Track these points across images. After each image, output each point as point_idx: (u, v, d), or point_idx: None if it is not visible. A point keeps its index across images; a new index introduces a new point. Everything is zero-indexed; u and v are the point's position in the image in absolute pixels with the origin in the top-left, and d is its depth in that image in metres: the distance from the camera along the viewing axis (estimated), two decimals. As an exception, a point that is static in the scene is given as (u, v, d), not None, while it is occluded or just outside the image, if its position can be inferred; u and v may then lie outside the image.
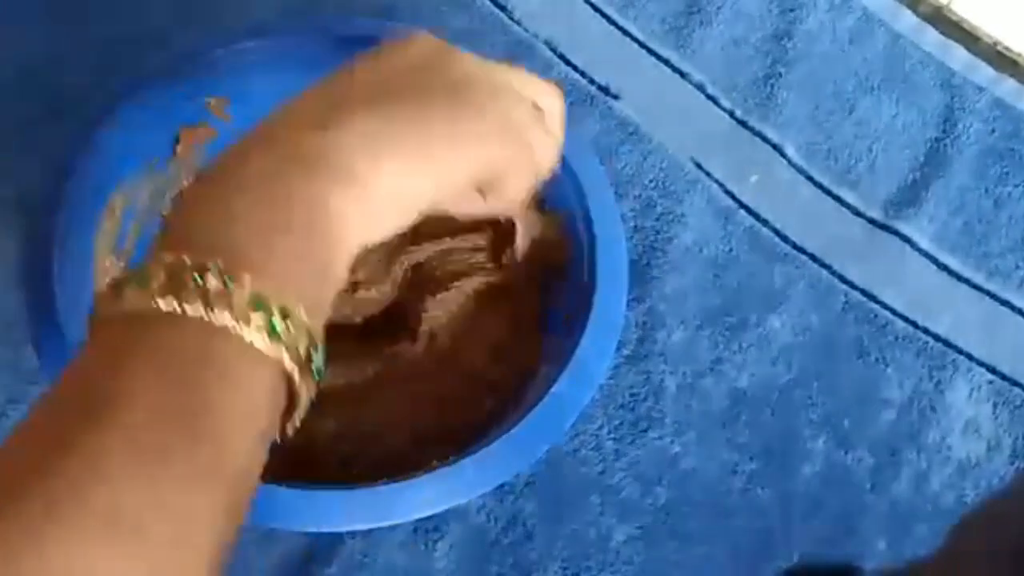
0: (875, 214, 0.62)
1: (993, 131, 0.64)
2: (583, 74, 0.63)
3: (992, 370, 0.58)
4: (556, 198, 0.53)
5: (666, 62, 0.64)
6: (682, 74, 0.64)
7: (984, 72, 0.66)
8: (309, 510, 0.43)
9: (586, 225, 0.51)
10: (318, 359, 0.31)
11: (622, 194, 0.59)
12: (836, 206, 0.62)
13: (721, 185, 0.61)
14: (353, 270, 0.52)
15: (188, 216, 0.31)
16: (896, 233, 0.61)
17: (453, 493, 0.45)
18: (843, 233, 0.61)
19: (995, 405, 0.58)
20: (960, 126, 0.64)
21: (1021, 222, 0.62)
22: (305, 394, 0.30)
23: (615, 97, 0.63)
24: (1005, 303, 0.61)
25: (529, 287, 0.53)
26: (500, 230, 0.53)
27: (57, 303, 0.46)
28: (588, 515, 0.53)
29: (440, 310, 0.51)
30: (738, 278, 0.59)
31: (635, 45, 0.64)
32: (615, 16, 0.65)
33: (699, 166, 0.62)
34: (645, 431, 0.55)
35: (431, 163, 0.34)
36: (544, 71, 0.62)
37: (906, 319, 0.59)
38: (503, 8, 0.64)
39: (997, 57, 0.67)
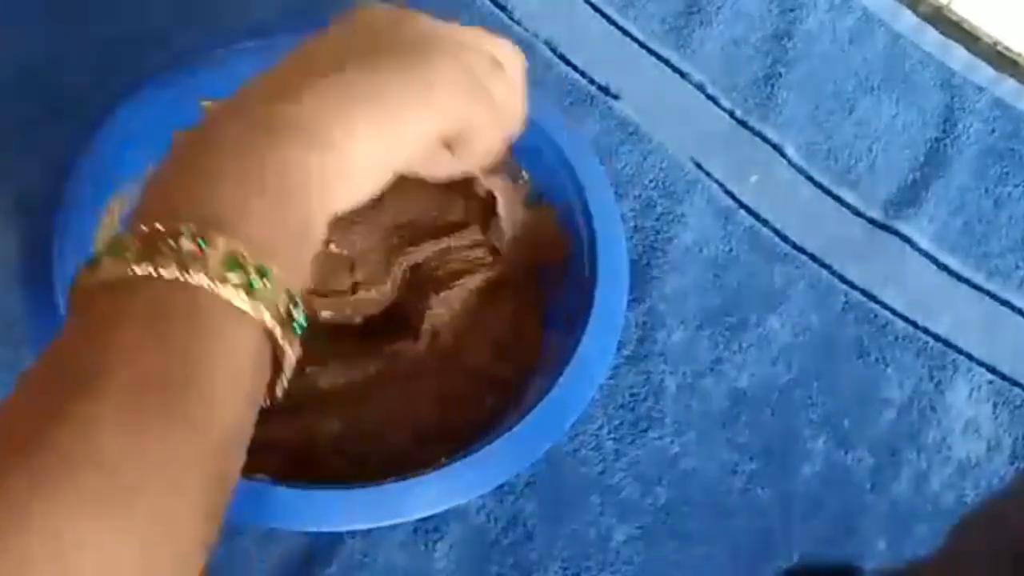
0: (875, 214, 0.62)
1: (993, 131, 0.64)
2: (583, 74, 0.63)
3: (992, 370, 0.58)
4: (555, 193, 0.53)
5: (666, 62, 0.64)
6: (682, 74, 0.64)
7: (984, 72, 0.66)
8: (309, 510, 0.43)
9: (586, 220, 0.51)
10: (299, 316, 0.31)
11: (622, 194, 0.59)
12: (836, 206, 0.62)
13: (721, 185, 0.61)
14: (353, 270, 0.53)
15: (162, 187, 0.31)
16: (896, 233, 0.61)
17: (453, 493, 0.45)
18: (843, 233, 0.61)
19: (995, 405, 0.58)
20: (960, 126, 0.64)
21: (1021, 222, 0.62)
22: (289, 351, 0.30)
23: (615, 97, 0.63)
24: (1005, 303, 0.61)
25: (528, 282, 0.53)
26: (483, 205, 0.54)
27: (57, 302, 0.46)
28: (588, 515, 0.53)
29: (443, 308, 0.52)
30: (738, 278, 0.59)
31: (635, 45, 0.64)
32: (615, 16, 0.65)
33: (699, 166, 0.62)
34: (645, 431, 0.55)
35: (402, 122, 0.34)
36: (544, 71, 0.62)
37: (906, 319, 0.59)
38: (503, 8, 0.64)
39: (997, 57, 0.67)
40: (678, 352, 0.57)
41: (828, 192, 0.62)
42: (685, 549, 0.53)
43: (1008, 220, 0.62)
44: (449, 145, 0.38)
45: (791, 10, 0.66)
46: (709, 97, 0.64)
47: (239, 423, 0.29)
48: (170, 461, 0.26)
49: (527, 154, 0.52)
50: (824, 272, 0.60)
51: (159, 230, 0.29)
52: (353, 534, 0.51)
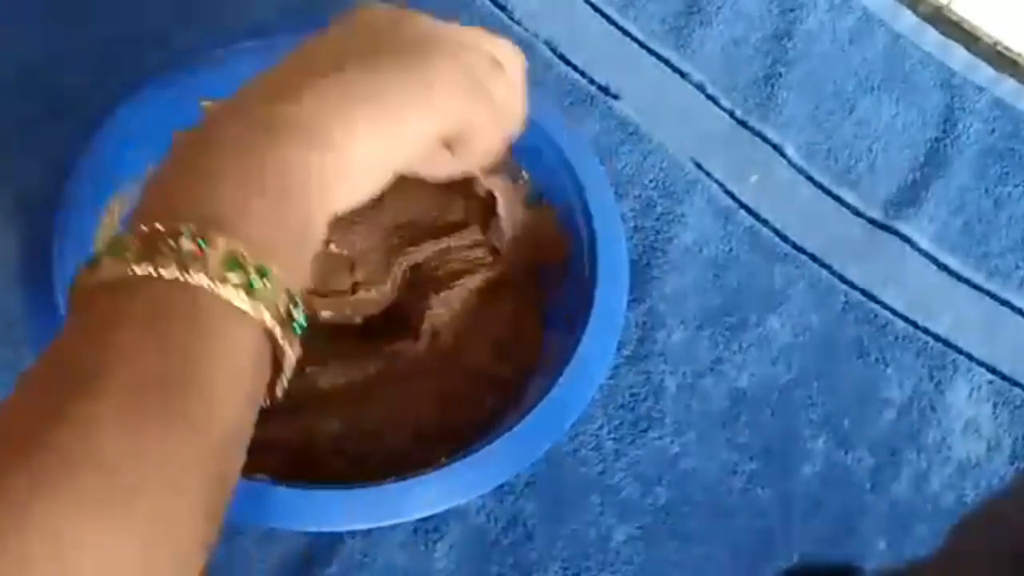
0: (875, 214, 0.62)
1: (993, 131, 0.64)
2: (583, 74, 0.63)
3: (992, 370, 0.58)
4: (555, 193, 0.53)
5: (666, 62, 0.64)
6: (682, 74, 0.64)
7: (984, 72, 0.66)
8: (309, 510, 0.43)
9: (586, 220, 0.51)
10: (299, 316, 0.31)
11: (622, 194, 0.59)
12: (836, 206, 0.62)
13: (721, 185, 0.61)
14: (353, 270, 0.53)
15: (162, 187, 0.31)
16: (896, 233, 0.61)
17: (453, 493, 0.45)
18: (843, 233, 0.61)
19: (995, 405, 0.58)
20: (960, 126, 0.64)
21: (1021, 222, 0.62)
22: (289, 351, 0.30)
23: (615, 97, 0.63)
24: (1005, 303, 0.61)
25: (528, 282, 0.53)
26: (483, 205, 0.53)
27: (57, 302, 0.46)
28: (588, 515, 0.53)
29: (443, 308, 0.52)
30: (738, 278, 0.59)
31: (635, 45, 0.64)
32: (615, 16, 0.65)
33: (699, 166, 0.62)
34: (645, 431, 0.55)
35: (403, 122, 0.34)
36: (544, 71, 0.62)
37: (906, 319, 0.59)
38: (503, 8, 0.64)
39: (997, 57, 0.67)
40: (678, 352, 0.57)
41: (828, 192, 0.62)
42: (685, 549, 0.53)
43: (1008, 220, 0.62)
44: (449, 145, 0.38)
45: (791, 10, 0.66)
46: (709, 97, 0.64)
47: (239, 423, 0.29)
48: (170, 461, 0.26)
49: (527, 154, 0.52)
50: (824, 272, 0.60)
51: (159, 230, 0.29)
52: (353, 534, 0.51)
